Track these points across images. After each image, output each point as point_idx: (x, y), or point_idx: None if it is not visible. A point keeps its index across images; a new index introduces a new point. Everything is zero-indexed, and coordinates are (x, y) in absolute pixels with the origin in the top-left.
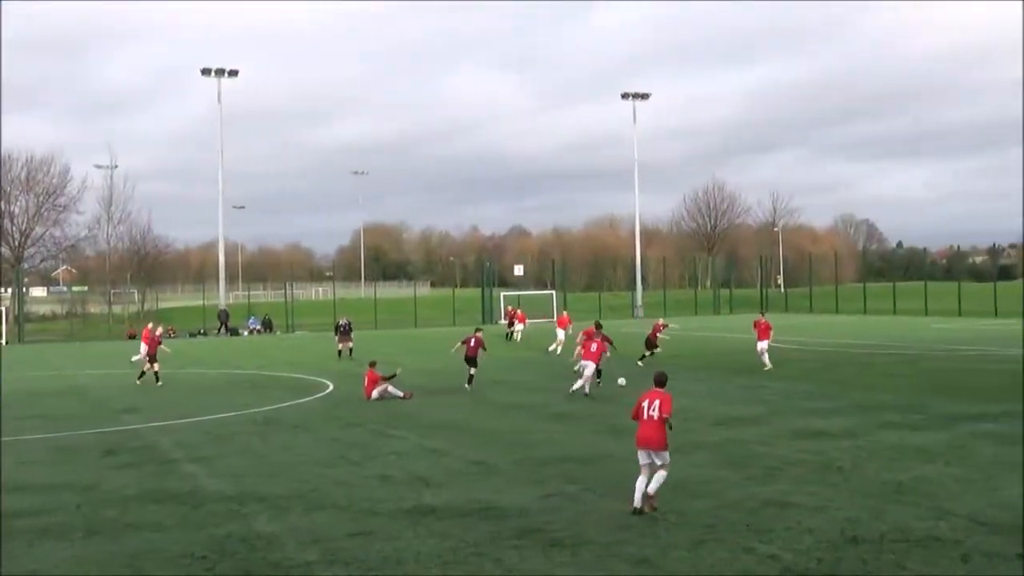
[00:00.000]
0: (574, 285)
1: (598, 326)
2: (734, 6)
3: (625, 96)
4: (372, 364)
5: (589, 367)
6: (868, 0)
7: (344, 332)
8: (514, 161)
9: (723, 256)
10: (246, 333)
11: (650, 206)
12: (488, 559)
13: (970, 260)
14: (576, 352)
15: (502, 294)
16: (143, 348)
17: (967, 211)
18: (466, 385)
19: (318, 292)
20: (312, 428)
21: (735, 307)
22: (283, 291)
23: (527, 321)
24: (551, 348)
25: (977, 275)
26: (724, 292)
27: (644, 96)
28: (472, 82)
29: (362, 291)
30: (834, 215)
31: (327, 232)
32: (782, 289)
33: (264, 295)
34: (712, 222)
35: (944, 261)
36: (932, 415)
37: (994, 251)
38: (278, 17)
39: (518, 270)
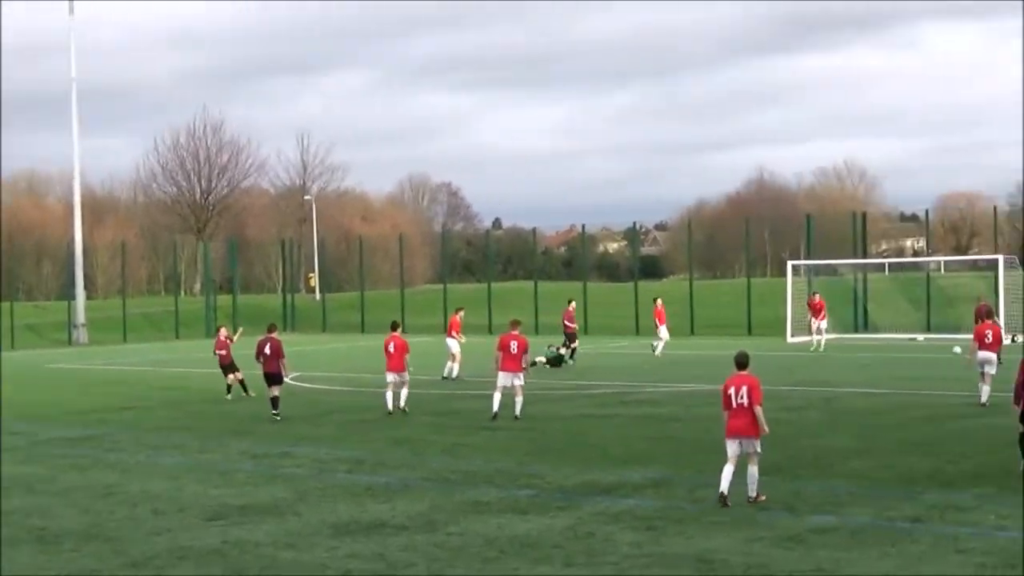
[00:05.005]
0: None
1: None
2: None
3: None
4: None
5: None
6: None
7: None
8: None
9: (223, 240)
10: None
11: (99, 156)
12: None
13: None
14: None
15: None
16: None
17: None
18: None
19: None
20: None
21: (249, 324)
22: None
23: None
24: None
25: None
26: (226, 301)
27: None
28: None
29: None
30: (401, 175)
31: None
32: (317, 295)
33: None
34: (204, 185)
35: None
36: (544, 489)
37: None
38: None
39: None
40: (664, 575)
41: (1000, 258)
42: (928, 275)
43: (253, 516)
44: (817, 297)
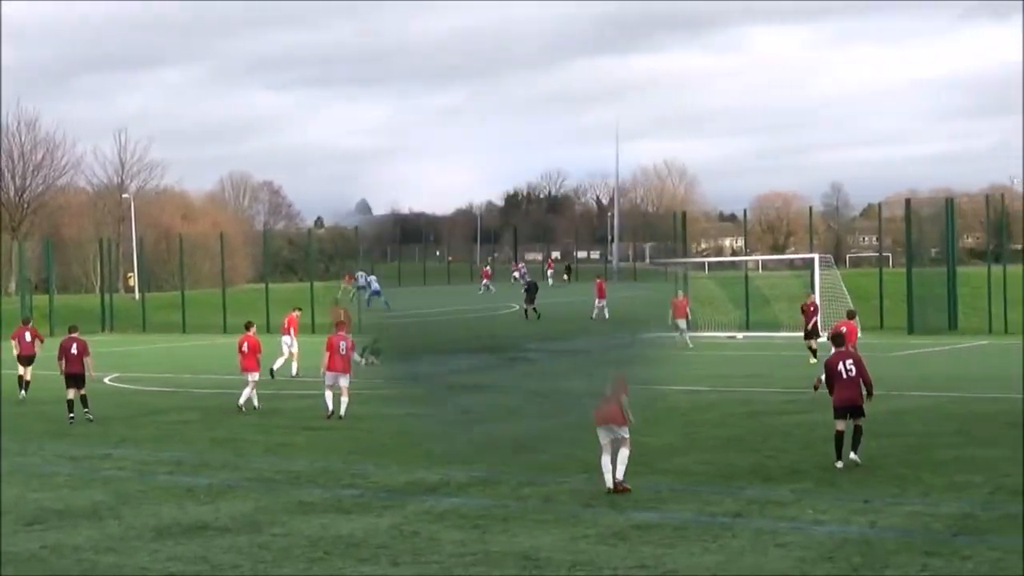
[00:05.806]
0: None
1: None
2: None
3: None
4: None
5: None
6: None
7: None
8: None
9: (38, 239)
10: None
11: None
12: None
13: None
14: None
15: None
16: None
17: None
18: None
19: None
20: None
21: (66, 324)
22: None
23: None
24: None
25: None
26: (42, 300)
27: None
28: None
29: None
30: (223, 173)
31: None
32: (136, 294)
33: None
34: (18, 183)
35: None
36: (369, 488)
37: None
38: None
39: None
40: (490, 574)
41: (816, 257)
42: (746, 274)
43: (72, 520)
44: (681, 294)
